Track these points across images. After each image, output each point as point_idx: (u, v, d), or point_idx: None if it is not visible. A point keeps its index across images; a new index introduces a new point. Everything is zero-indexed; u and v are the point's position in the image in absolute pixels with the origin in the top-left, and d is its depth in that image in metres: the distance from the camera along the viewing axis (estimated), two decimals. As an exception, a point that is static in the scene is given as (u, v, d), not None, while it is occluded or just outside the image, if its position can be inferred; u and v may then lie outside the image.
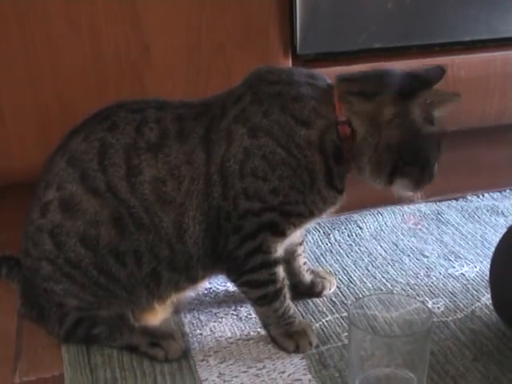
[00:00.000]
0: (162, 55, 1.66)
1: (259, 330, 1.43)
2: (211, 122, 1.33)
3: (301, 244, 1.53)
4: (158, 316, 1.43)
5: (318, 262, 1.69)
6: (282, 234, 1.35)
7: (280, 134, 1.29)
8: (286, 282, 1.40)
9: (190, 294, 1.50)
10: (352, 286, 1.59)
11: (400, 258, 1.70)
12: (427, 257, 1.70)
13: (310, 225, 1.42)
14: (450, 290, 1.56)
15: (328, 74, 1.38)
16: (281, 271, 1.38)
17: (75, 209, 1.31)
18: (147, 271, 1.35)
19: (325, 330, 1.44)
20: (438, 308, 1.50)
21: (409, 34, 1.76)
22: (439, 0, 1.78)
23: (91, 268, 1.33)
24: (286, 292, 1.39)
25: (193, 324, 1.47)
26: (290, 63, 1.70)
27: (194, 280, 1.40)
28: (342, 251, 1.74)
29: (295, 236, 1.46)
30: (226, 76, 1.66)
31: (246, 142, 1.30)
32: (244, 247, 1.33)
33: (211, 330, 1.44)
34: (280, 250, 1.37)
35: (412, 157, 1.30)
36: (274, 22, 1.70)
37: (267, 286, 1.36)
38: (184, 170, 1.31)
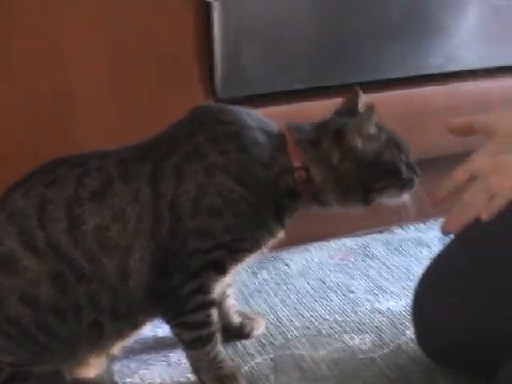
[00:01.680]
0: (88, 105, 1.65)
1: (189, 375, 1.44)
2: (158, 158, 1.33)
3: (230, 285, 1.54)
4: (94, 368, 1.41)
5: (246, 302, 1.70)
6: (224, 271, 1.36)
7: (239, 171, 1.30)
8: (219, 325, 1.40)
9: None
10: (280, 325, 1.61)
11: (327, 295, 1.72)
12: (354, 292, 1.73)
13: (249, 261, 1.42)
14: (376, 325, 1.59)
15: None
16: (215, 314, 1.38)
17: (14, 267, 1.29)
18: (87, 323, 1.32)
19: (254, 372, 1.45)
20: (365, 344, 1.52)
21: (327, 74, 1.80)
22: (356, 40, 1.82)
23: (31, 326, 1.30)
24: (218, 335, 1.39)
25: (123, 372, 1.47)
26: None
27: (135, 325, 1.39)
28: (269, 290, 1.76)
29: (233, 275, 1.48)
30: (153, 120, 1.67)
31: (200, 179, 1.30)
32: (188, 286, 1.33)
33: (141, 378, 1.45)
34: (217, 289, 1.38)
35: (374, 175, 1.34)
36: (196, 65, 1.72)
37: (202, 329, 1.37)
38: (130, 210, 1.30)
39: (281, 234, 1.40)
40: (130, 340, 1.46)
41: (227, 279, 1.49)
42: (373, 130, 1.34)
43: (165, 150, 1.34)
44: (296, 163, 1.34)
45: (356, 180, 1.34)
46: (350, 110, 1.41)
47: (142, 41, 1.68)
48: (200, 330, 1.37)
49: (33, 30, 1.60)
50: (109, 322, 1.34)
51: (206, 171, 1.30)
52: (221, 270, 1.35)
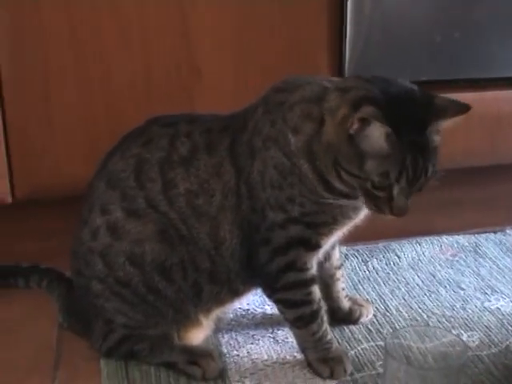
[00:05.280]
0: (211, 76, 1.68)
1: (295, 353, 1.44)
2: (235, 134, 1.34)
3: (339, 268, 1.54)
4: (200, 332, 1.44)
5: (355, 288, 1.71)
6: (315, 246, 1.34)
7: (283, 143, 1.28)
8: (323, 305, 1.40)
9: (232, 309, 1.53)
10: (388, 314, 1.60)
11: (437, 289, 1.71)
12: (464, 289, 1.71)
13: (348, 227, 1.37)
14: (485, 323, 1.57)
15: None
16: (317, 291, 1.38)
17: (121, 231, 1.34)
18: (190, 283, 1.36)
19: (360, 357, 1.45)
20: (473, 342, 1.50)
21: (456, 67, 1.78)
22: (487, 35, 1.80)
23: (140, 286, 1.35)
24: (324, 315, 1.39)
25: (230, 344, 1.49)
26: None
27: (235, 293, 1.41)
28: (379, 279, 1.75)
29: (331, 247, 1.46)
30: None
31: (263, 153, 1.30)
32: (275, 262, 1.33)
33: (248, 352, 1.46)
34: (315, 265, 1.37)
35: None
36: (323, 50, 1.73)
37: (302, 307, 1.37)
38: (213, 184, 1.32)
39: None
40: (233, 306, 1.49)
41: (334, 260, 1.51)
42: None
43: (240, 126, 1.35)
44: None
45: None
46: (425, 100, 1.22)
47: (272, 21, 1.70)
48: (300, 308, 1.37)
49: (160, 4, 1.63)
50: (207, 284, 1.37)
51: (264, 144, 1.30)
52: (310, 246, 1.34)
